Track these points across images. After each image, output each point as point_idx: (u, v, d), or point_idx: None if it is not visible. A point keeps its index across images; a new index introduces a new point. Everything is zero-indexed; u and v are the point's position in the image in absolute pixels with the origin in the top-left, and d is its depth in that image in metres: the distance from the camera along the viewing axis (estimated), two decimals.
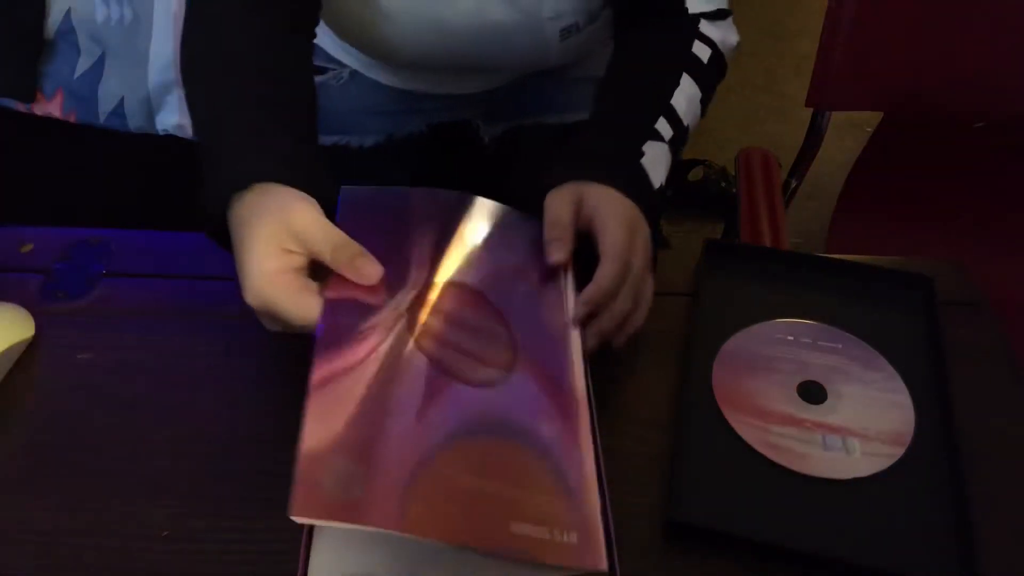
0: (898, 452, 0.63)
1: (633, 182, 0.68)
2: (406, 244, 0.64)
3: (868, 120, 1.30)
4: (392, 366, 0.56)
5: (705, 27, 0.79)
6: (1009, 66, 1.12)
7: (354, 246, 0.59)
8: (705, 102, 0.79)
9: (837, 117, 1.22)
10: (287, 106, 0.67)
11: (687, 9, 0.79)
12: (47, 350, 0.70)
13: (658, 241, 0.76)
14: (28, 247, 0.79)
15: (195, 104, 0.69)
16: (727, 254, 0.78)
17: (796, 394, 0.67)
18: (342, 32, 0.89)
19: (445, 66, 0.90)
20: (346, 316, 0.57)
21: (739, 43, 0.83)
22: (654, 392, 0.68)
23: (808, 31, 2.39)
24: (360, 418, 0.52)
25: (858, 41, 1.11)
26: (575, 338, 0.63)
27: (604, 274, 0.62)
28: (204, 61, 0.70)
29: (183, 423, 0.65)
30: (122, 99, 1.20)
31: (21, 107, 1.21)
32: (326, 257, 0.58)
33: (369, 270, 0.58)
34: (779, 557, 0.57)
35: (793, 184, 1.28)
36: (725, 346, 0.70)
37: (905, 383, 0.68)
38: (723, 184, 1.92)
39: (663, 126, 0.73)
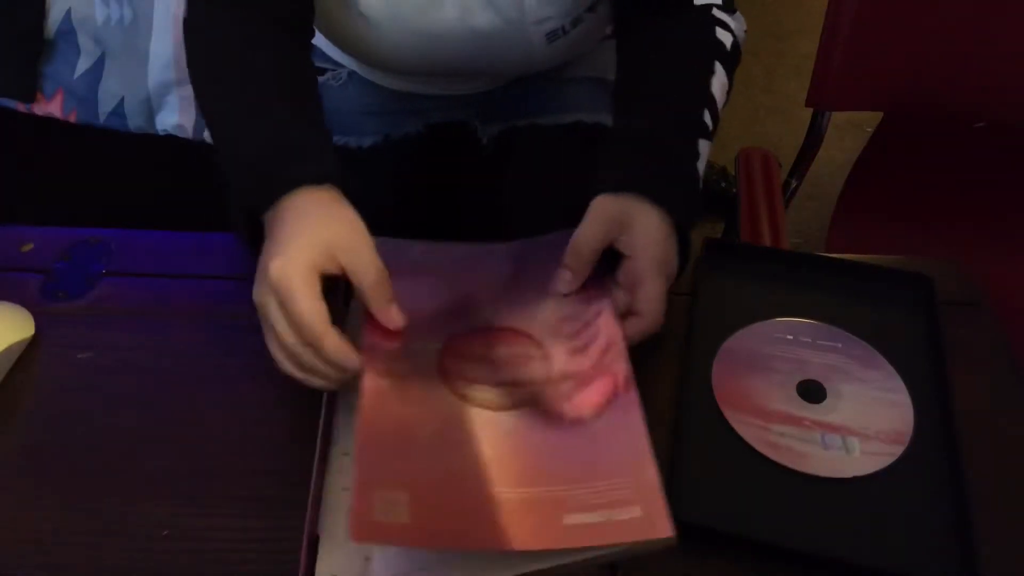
0: (897, 451, 0.63)
1: (683, 195, 0.68)
2: (434, 294, 0.68)
3: (868, 120, 1.30)
4: (429, 404, 0.59)
5: (717, 14, 0.78)
6: (1009, 66, 1.12)
7: (390, 289, 0.61)
8: (730, 90, 0.78)
9: (837, 117, 1.22)
10: (309, 108, 0.70)
11: (691, 1, 0.78)
12: (47, 350, 0.70)
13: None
14: (28, 247, 0.79)
15: (216, 113, 0.70)
16: (727, 253, 0.78)
17: (796, 393, 0.67)
18: (334, 40, 0.89)
19: (434, 72, 0.90)
20: (384, 363, 0.60)
21: (745, 31, 0.83)
22: (654, 391, 0.67)
23: (808, 31, 2.39)
24: (403, 446, 0.55)
25: (858, 41, 1.11)
26: (609, 317, 0.64)
27: (634, 328, 0.64)
28: (220, 72, 0.71)
29: (183, 423, 0.65)
30: (122, 99, 1.20)
31: (21, 107, 1.21)
32: (363, 287, 0.60)
33: (397, 317, 0.61)
34: (778, 556, 0.57)
35: (793, 184, 1.28)
36: (725, 345, 0.70)
37: (904, 382, 0.68)
38: (723, 184, 1.92)
39: (707, 118, 0.72)
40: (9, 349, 0.68)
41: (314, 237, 0.59)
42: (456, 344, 0.64)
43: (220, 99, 0.70)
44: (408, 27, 0.80)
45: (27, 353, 0.70)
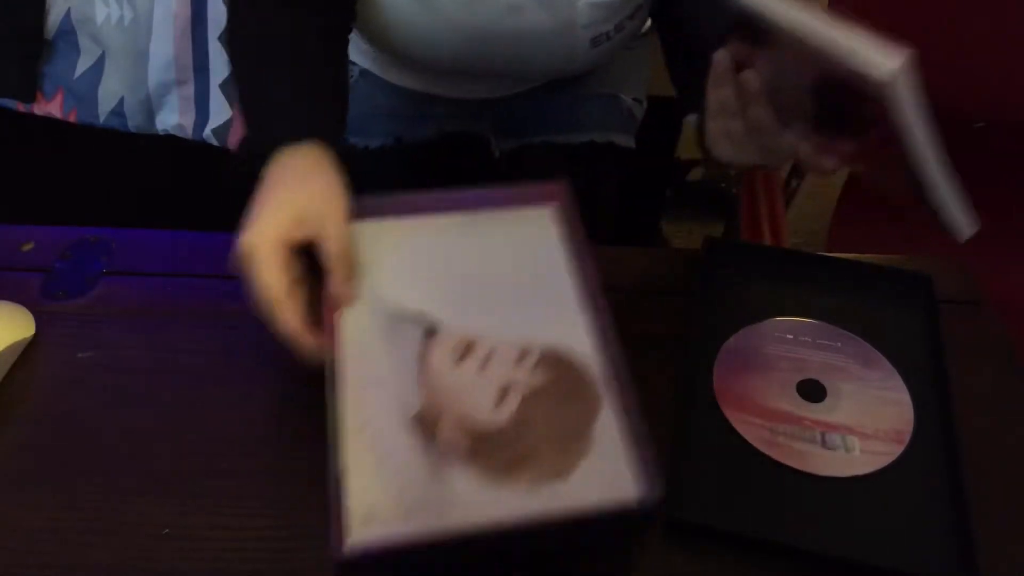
0: (897, 450, 0.63)
1: None
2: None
3: None
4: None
5: None
6: (1009, 66, 1.12)
7: (351, 265, 0.61)
8: None
9: None
10: (332, 89, 0.72)
11: None
12: (47, 349, 0.70)
13: (657, 239, 0.76)
14: (28, 246, 0.79)
15: (243, 76, 0.71)
16: (727, 253, 0.78)
17: (796, 392, 0.67)
18: (368, 32, 0.88)
19: (474, 71, 0.90)
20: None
21: None
22: (655, 390, 0.68)
23: None
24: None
25: None
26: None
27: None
28: (255, 45, 0.72)
29: (183, 421, 0.65)
30: (122, 99, 1.20)
31: (21, 107, 1.21)
32: (327, 257, 0.59)
33: (351, 295, 0.60)
34: (779, 554, 0.57)
35: (793, 184, 1.28)
36: (725, 345, 0.70)
37: (904, 381, 0.68)
38: (723, 184, 1.92)
39: None
40: (9, 348, 0.68)
41: (283, 204, 0.59)
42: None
43: (250, 62, 0.72)
44: (460, 24, 0.79)
45: (27, 352, 0.70)
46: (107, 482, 0.61)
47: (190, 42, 1.16)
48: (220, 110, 1.19)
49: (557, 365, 0.59)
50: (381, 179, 0.96)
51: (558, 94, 0.97)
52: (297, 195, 0.60)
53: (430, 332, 0.62)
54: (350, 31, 0.80)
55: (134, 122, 1.21)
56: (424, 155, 0.98)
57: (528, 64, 0.86)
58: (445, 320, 0.62)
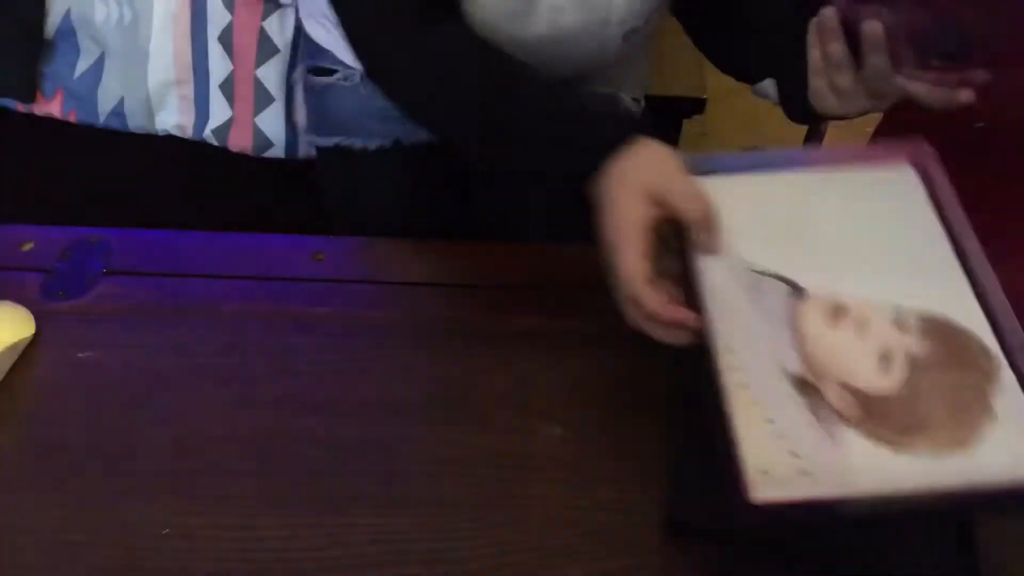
0: None
1: None
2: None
3: (868, 120, 1.30)
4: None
5: None
6: (1009, 66, 1.12)
7: (714, 220, 0.60)
8: None
9: None
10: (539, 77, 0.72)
11: None
12: (47, 349, 0.70)
13: None
14: (28, 246, 0.79)
15: (488, 124, 0.71)
16: None
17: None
18: None
19: None
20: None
21: None
22: (654, 390, 0.68)
23: None
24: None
25: None
26: None
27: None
28: (461, 91, 0.72)
29: (183, 421, 0.65)
30: (122, 99, 1.20)
31: (21, 107, 1.21)
32: (689, 223, 0.60)
33: (711, 248, 0.61)
34: (778, 556, 0.57)
35: None
36: None
37: None
38: None
39: None
40: (10, 348, 0.68)
41: (632, 187, 0.60)
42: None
43: (476, 113, 0.72)
44: (496, 35, 0.77)
45: (27, 352, 0.70)
46: (107, 481, 0.61)
47: (190, 42, 1.16)
48: (220, 110, 1.19)
49: (939, 332, 0.58)
50: (380, 180, 0.96)
51: None
52: (639, 175, 0.61)
53: (796, 293, 0.61)
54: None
55: (134, 122, 1.21)
56: (423, 156, 0.98)
57: (562, 64, 0.85)
58: (808, 282, 0.61)
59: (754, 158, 0.68)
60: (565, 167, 0.67)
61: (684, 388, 0.67)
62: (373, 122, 0.97)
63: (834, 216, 0.65)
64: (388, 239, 0.83)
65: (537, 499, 0.61)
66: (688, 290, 0.60)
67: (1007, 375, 0.55)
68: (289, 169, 1.19)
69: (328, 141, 0.98)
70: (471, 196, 0.99)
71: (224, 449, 0.63)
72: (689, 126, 1.43)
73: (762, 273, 0.62)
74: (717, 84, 1.69)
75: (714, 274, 0.61)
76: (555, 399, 0.67)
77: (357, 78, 0.97)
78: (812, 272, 0.61)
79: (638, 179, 0.61)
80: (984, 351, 0.57)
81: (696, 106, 1.56)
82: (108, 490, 0.61)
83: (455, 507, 0.60)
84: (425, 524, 0.59)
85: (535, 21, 0.79)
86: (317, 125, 1.02)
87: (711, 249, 0.60)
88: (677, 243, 0.62)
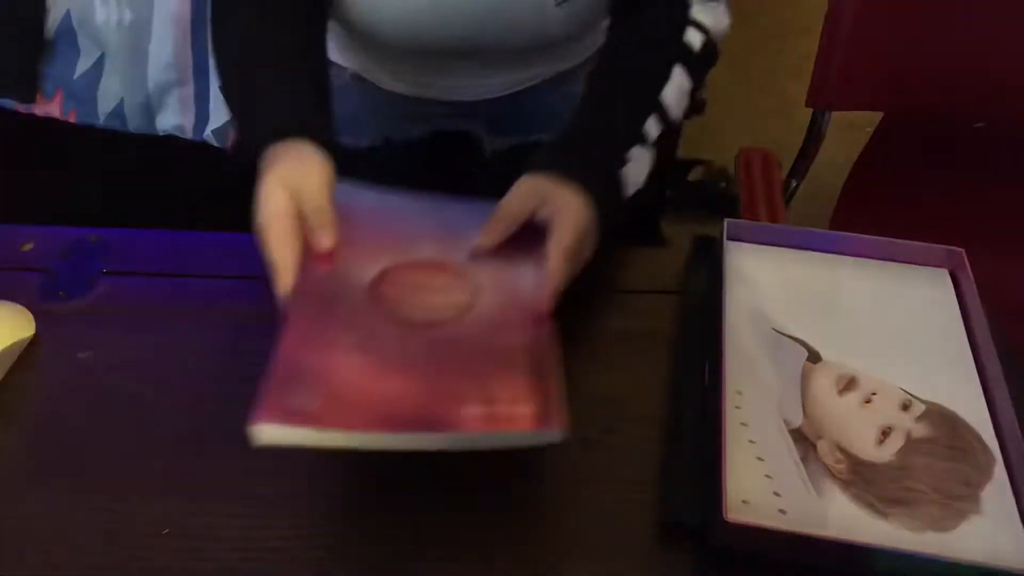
0: None
1: (606, 194, 0.69)
2: (377, 231, 0.69)
3: (868, 120, 1.30)
4: (355, 318, 0.61)
5: (697, 11, 0.78)
6: (1009, 66, 1.12)
7: (325, 217, 0.64)
8: (695, 93, 0.78)
9: (837, 117, 1.22)
10: (314, 79, 0.75)
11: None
12: (47, 349, 0.70)
13: (657, 239, 0.75)
14: (28, 246, 0.79)
15: (230, 78, 0.76)
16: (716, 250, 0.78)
17: None
18: (343, 17, 0.88)
19: (443, 49, 0.89)
20: (318, 283, 0.62)
21: (731, 24, 0.82)
22: (648, 389, 0.68)
23: (808, 31, 2.39)
24: (322, 349, 0.57)
25: (858, 41, 1.11)
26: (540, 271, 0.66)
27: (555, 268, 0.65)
28: (236, 45, 0.76)
29: (183, 421, 0.65)
30: (122, 99, 1.20)
31: (21, 107, 1.21)
32: (306, 213, 0.64)
33: (323, 241, 0.64)
34: (770, 559, 0.57)
35: (793, 184, 1.28)
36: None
37: None
38: (723, 184, 1.92)
39: (651, 125, 0.73)
40: (9, 348, 0.68)
41: (276, 182, 0.64)
42: (390, 274, 0.65)
43: (235, 77, 0.76)
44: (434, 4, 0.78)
45: (27, 352, 0.70)
46: (107, 482, 0.61)
47: (190, 43, 1.16)
48: (220, 111, 1.19)
49: (942, 420, 0.62)
50: (370, 179, 0.96)
51: (552, 93, 0.96)
52: (283, 173, 0.64)
53: (812, 357, 0.66)
54: (327, 18, 0.81)
55: (134, 123, 1.21)
56: (414, 155, 0.98)
57: (501, 33, 0.85)
58: (826, 351, 0.66)
59: (796, 235, 0.75)
60: (237, 147, 0.71)
61: (683, 392, 0.67)
62: (363, 121, 0.97)
63: (863, 300, 0.71)
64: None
65: (532, 499, 0.61)
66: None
67: (1000, 473, 0.59)
68: None
69: None
70: (461, 193, 0.98)
71: (225, 449, 0.63)
72: (689, 126, 1.43)
73: (784, 334, 0.68)
74: (717, 84, 1.69)
75: (738, 326, 0.67)
76: None
77: (347, 78, 0.97)
78: (832, 345, 0.67)
79: (283, 175, 0.64)
80: (983, 446, 0.61)
81: (696, 106, 1.56)
82: (108, 489, 0.61)
83: (449, 507, 0.60)
84: (423, 522, 0.59)
85: None
86: None
87: (318, 240, 0.64)
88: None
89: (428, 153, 0.98)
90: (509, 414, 0.54)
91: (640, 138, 0.73)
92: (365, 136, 0.97)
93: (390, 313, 0.62)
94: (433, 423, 0.53)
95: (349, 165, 0.97)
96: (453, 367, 0.58)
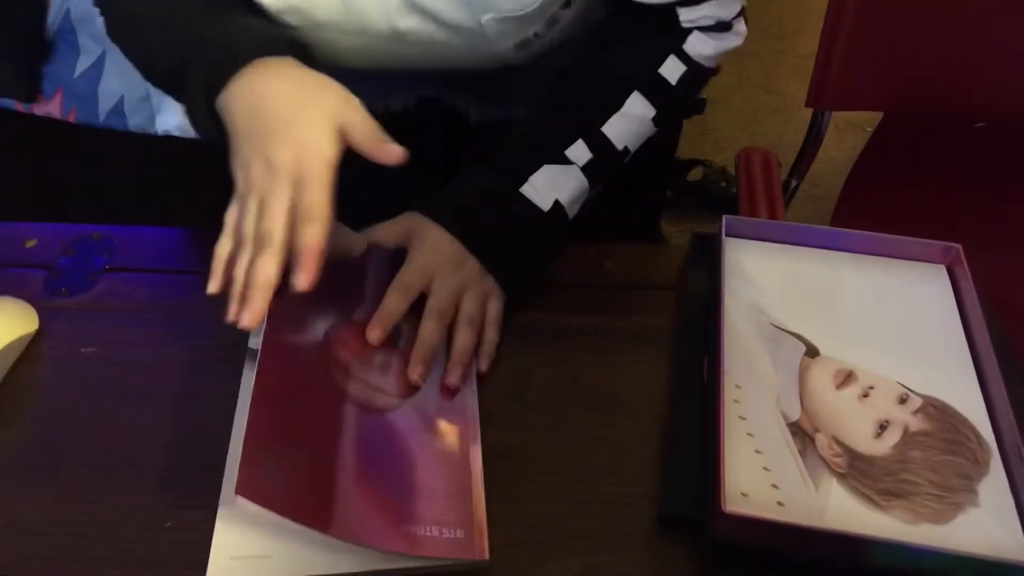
0: None
1: (486, 225, 0.71)
2: (344, 283, 0.69)
3: (868, 120, 1.31)
4: (313, 386, 0.62)
5: (694, 41, 0.77)
6: (1009, 66, 1.13)
7: (379, 132, 0.62)
8: (662, 120, 0.77)
9: (837, 117, 1.23)
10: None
11: (679, 20, 0.76)
12: (50, 345, 0.70)
13: (657, 239, 0.75)
14: (31, 242, 0.79)
15: (145, 39, 0.72)
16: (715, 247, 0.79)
17: None
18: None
19: (409, 71, 0.87)
20: (286, 333, 0.63)
21: (745, 32, 0.81)
22: (647, 384, 0.68)
23: (808, 31, 2.40)
24: (289, 434, 0.58)
25: (858, 41, 1.11)
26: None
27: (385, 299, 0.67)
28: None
29: (186, 417, 0.65)
30: (122, 98, 1.20)
31: (21, 107, 1.22)
32: (362, 136, 0.61)
33: (395, 152, 0.62)
34: (770, 550, 0.57)
35: (793, 184, 1.28)
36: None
37: None
38: (723, 184, 1.93)
39: (579, 150, 0.74)
40: (13, 344, 0.68)
41: (321, 120, 0.60)
42: (340, 333, 0.66)
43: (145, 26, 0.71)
44: (376, 30, 0.75)
45: (31, 348, 0.70)
46: (109, 476, 0.61)
47: None
48: None
49: (940, 415, 0.63)
50: (350, 151, 0.93)
51: (539, 68, 0.88)
52: (323, 107, 0.61)
53: (811, 352, 0.66)
54: None
55: (134, 122, 1.21)
56: (396, 125, 0.95)
57: (459, 68, 0.83)
58: (825, 346, 0.67)
59: (794, 230, 0.76)
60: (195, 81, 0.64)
61: (676, 384, 0.67)
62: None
63: (860, 295, 0.72)
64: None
65: (534, 493, 0.61)
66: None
67: (997, 466, 0.60)
68: None
69: None
70: (456, 164, 0.96)
71: (226, 444, 0.63)
72: (689, 126, 1.43)
73: (783, 329, 0.68)
74: (717, 84, 1.70)
75: (737, 321, 0.68)
76: (553, 394, 0.67)
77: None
78: (831, 339, 0.68)
79: (324, 110, 0.60)
80: (979, 440, 0.61)
81: (696, 106, 1.56)
82: (110, 484, 0.61)
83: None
84: None
85: (407, 24, 0.74)
86: None
87: (381, 152, 0.61)
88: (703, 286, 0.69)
89: (409, 124, 0.95)
90: (442, 540, 0.56)
91: (556, 158, 0.73)
92: None
93: (340, 387, 0.63)
94: (378, 538, 0.54)
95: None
96: (384, 476, 0.59)
